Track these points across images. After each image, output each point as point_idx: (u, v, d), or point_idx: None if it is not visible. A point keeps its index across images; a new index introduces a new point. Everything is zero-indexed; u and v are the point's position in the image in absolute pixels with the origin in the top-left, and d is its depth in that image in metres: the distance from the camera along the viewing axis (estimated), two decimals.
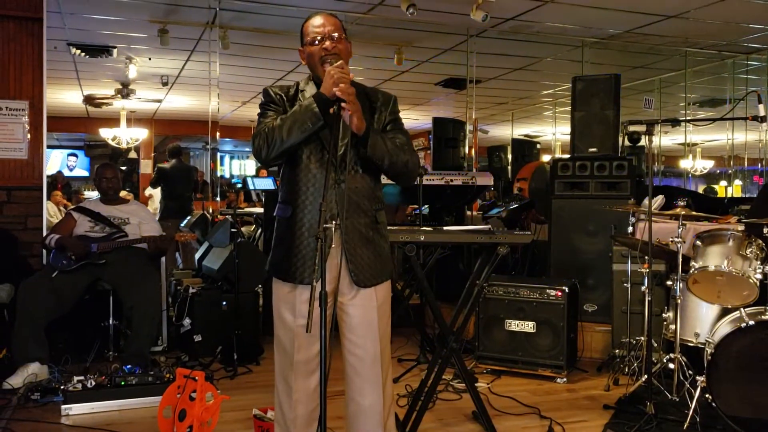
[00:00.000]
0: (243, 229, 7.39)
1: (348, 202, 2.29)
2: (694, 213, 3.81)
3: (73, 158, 17.83)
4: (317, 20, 2.36)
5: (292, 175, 2.35)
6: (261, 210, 6.98)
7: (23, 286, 4.26)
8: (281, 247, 2.37)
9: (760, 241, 3.57)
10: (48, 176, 5.36)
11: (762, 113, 3.57)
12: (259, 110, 2.41)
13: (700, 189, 15.13)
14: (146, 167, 13.70)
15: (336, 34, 2.33)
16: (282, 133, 2.23)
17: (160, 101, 11.72)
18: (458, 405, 3.90)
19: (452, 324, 3.33)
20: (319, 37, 2.33)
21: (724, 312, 3.68)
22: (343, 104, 2.17)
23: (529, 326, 4.42)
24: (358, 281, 2.32)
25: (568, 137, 5.64)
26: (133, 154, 13.37)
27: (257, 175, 9.94)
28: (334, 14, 2.41)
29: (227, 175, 18.64)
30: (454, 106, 11.78)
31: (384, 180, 2.48)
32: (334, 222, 2.12)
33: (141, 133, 12.53)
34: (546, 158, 11.45)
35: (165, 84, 10.00)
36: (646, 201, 3.74)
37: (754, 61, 8.61)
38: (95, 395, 3.69)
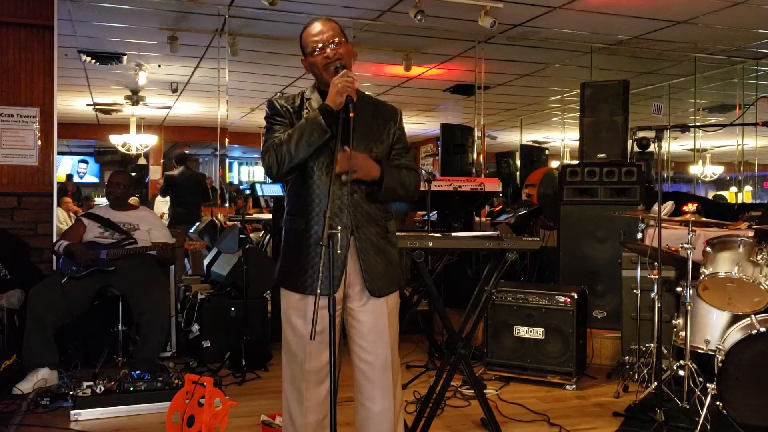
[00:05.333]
0: (252, 235, 7.40)
1: (360, 212, 2.30)
2: (704, 219, 3.79)
3: (83, 165, 17.93)
4: (315, 28, 2.32)
5: (304, 187, 2.32)
6: (270, 216, 6.99)
7: (33, 292, 4.28)
8: (295, 260, 2.34)
9: None
10: (57, 183, 5.38)
11: None
12: (265, 123, 2.39)
13: (710, 195, 15.05)
14: (155, 173, 13.78)
15: (336, 40, 2.30)
16: (290, 148, 2.22)
17: (169, 108, 11.78)
18: (467, 412, 3.89)
19: (461, 330, 3.32)
20: (319, 46, 2.30)
21: (735, 319, 3.66)
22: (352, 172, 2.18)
23: (537, 333, 4.41)
24: (372, 290, 2.32)
25: (577, 143, 5.64)
26: (142, 161, 13.46)
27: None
28: (331, 18, 2.36)
29: (236, 181, 18.71)
30: (463, 113, 11.77)
31: None
32: (340, 228, 2.11)
33: (150, 140, 12.62)
34: (555, 164, 11.46)
35: (174, 91, 10.06)
36: (655, 207, 3.72)
37: (764, 66, 8.57)
38: (104, 401, 3.70)
